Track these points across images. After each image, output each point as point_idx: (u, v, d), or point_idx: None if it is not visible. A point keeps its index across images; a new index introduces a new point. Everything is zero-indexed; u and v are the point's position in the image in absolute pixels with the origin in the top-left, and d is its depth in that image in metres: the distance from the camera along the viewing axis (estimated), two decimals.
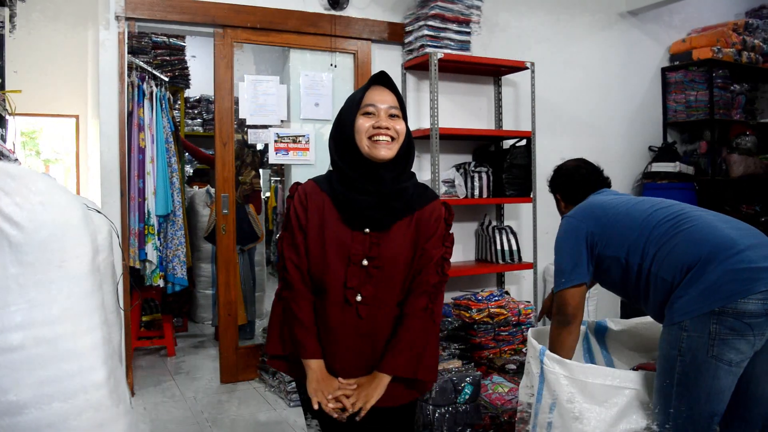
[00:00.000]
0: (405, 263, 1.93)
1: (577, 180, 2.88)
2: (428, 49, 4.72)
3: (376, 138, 1.88)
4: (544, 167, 5.40)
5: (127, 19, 4.19)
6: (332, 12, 4.79)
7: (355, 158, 1.91)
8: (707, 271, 2.17)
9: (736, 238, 2.22)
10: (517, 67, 5.11)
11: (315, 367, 1.93)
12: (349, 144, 1.91)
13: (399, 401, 1.96)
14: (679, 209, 2.44)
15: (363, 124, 1.89)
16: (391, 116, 1.91)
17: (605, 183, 2.89)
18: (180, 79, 6.42)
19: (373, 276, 1.90)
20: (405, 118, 1.96)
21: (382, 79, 1.97)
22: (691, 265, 2.22)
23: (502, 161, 5.06)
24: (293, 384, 4.12)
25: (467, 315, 4.26)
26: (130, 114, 4.42)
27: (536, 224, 5.15)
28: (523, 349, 4.43)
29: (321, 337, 1.95)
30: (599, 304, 5.49)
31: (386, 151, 1.88)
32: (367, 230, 1.91)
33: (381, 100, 1.91)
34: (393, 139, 1.90)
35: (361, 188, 1.89)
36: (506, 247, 5.07)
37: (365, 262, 1.90)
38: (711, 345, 2.12)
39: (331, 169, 2.02)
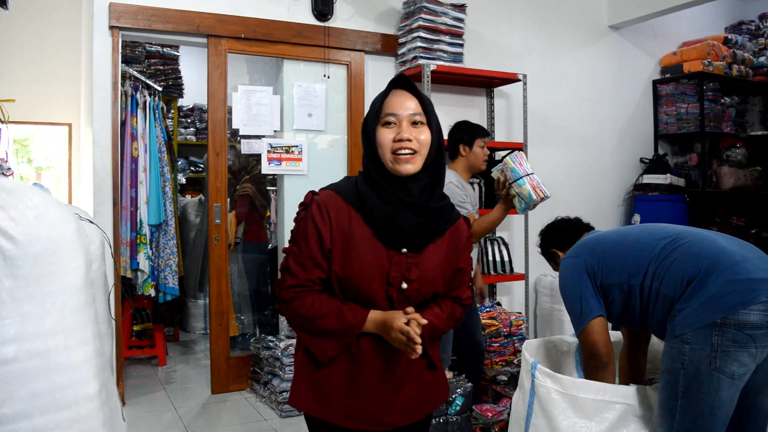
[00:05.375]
0: (437, 286, 1.81)
1: (564, 226, 3.00)
2: (421, 61, 4.75)
3: (398, 152, 1.71)
4: None
5: (111, 27, 4.20)
6: (320, 23, 4.81)
7: (381, 172, 1.74)
8: (707, 283, 2.18)
9: (733, 250, 2.24)
10: (509, 78, 5.14)
11: (374, 317, 1.73)
12: (373, 156, 1.75)
13: (421, 415, 1.91)
14: (672, 228, 2.46)
15: (384, 136, 1.72)
16: (414, 123, 1.74)
17: (589, 226, 2.99)
18: (173, 88, 6.43)
19: (410, 299, 1.76)
20: (432, 124, 1.77)
21: (403, 83, 1.79)
22: (691, 278, 2.23)
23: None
24: (284, 395, 4.12)
25: None
26: (123, 123, 4.42)
27: (528, 235, 5.16)
28: (515, 360, 4.44)
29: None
30: None
31: (409, 165, 1.71)
32: (405, 250, 1.74)
33: (402, 106, 1.73)
34: (416, 151, 1.72)
35: (396, 201, 1.72)
36: (498, 258, 5.09)
37: (404, 285, 1.75)
38: (713, 357, 2.11)
39: (347, 177, 1.88)
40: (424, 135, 1.74)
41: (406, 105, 1.74)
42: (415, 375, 1.86)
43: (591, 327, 2.44)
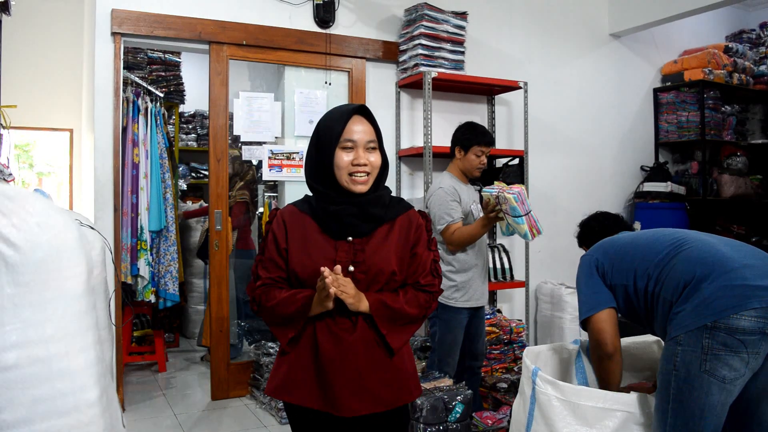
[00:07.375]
0: (390, 268, 1.98)
1: (593, 225, 3.09)
2: (422, 68, 4.76)
3: (354, 174, 1.95)
4: (536, 186, 5.46)
5: (113, 34, 4.21)
6: (322, 30, 4.83)
7: (334, 187, 1.98)
8: (702, 287, 2.21)
9: (733, 257, 2.26)
10: (510, 86, 5.15)
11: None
12: (328, 173, 1.98)
13: (384, 406, 1.98)
14: (681, 234, 2.51)
15: (343, 158, 1.95)
16: (369, 148, 1.98)
17: (625, 226, 3.04)
18: (175, 94, 6.43)
19: (359, 281, 1.95)
20: (381, 147, 2.03)
21: (362, 111, 2.02)
22: (687, 282, 2.27)
23: (495, 179, 5.08)
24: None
25: None
26: (124, 129, 4.43)
27: (528, 243, 5.16)
28: (515, 368, 4.43)
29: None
30: None
31: (363, 186, 1.96)
32: (350, 238, 1.97)
33: (360, 132, 1.97)
34: (369, 173, 1.98)
35: (340, 201, 1.97)
36: (498, 265, 5.08)
37: (351, 268, 1.95)
38: (704, 359, 2.14)
39: (307, 195, 2.10)
40: (375, 157, 2.00)
41: (363, 131, 1.98)
42: (375, 363, 1.98)
43: (600, 315, 2.51)
